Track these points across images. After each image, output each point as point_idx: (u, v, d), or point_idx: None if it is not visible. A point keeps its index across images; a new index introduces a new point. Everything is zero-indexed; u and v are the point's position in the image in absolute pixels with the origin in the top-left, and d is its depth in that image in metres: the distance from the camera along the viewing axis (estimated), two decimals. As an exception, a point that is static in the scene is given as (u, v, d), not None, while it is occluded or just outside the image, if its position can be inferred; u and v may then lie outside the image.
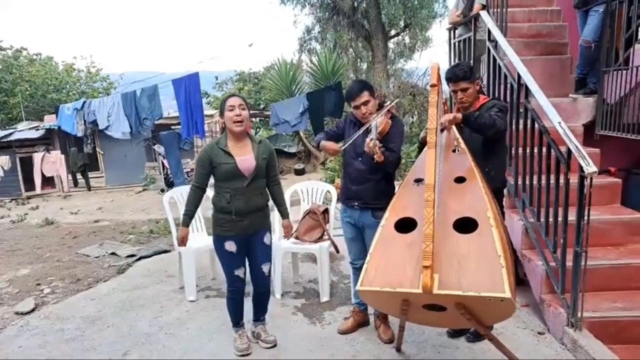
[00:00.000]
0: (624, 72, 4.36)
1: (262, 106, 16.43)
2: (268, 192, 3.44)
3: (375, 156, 3.01)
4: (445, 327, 3.46)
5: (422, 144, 3.45)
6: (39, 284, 5.17)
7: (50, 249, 6.77)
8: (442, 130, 3.13)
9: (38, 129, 13.65)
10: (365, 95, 3.26)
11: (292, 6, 17.51)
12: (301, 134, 13.64)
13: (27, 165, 12.48)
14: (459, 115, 3.07)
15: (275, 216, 3.76)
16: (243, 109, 3.16)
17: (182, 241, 3.40)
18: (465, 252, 2.33)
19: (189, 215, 3.36)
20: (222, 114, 3.23)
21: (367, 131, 3.20)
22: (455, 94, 3.29)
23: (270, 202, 3.46)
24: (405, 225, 2.63)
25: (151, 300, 4.46)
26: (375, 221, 3.10)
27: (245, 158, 3.19)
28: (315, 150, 13.76)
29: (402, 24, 18.33)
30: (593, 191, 3.01)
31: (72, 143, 12.67)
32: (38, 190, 12.45)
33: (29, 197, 12.13)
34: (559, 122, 3.26)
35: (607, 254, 3.72)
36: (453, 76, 3.25)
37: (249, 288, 3.45)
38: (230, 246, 3.25)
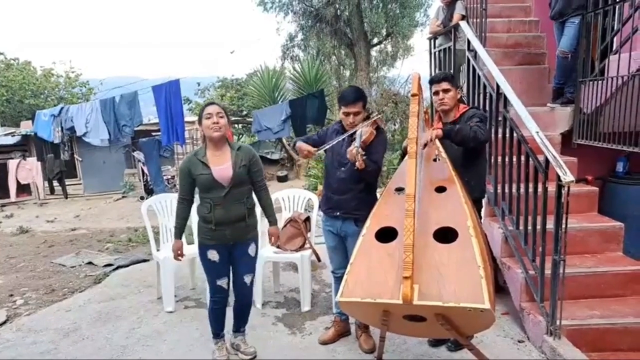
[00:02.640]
0: (600, 82, 4.44)
1: (244, 113, 16.36)
2: (255, 199, 3.40)
3: (356, 163, 3.01)
4: (426, 337, 3.45)
5: (405, 153, 3.46)
6: (11, 295, 5.04)
7: (25, 259, 6.61)
8: (424, 147, 3.14)
9: (14, 135, 13.39)
10: (358, 106, 3.26)
11: (275, 14, 17.51)
12: (284, 140, 13.61)
13: (1, 172, 12.22)
14: (440, 132, 3.09)
15: (263, 222, 3.72)
16: (221, 117, 3.13)
17: (177, 254, 3.37)
18: (445, 262, 2.33)
19: (179, 227, 3.34)
20: (200, 123, 3.20)
21: (351, 140, 3.20)
22: (436, 95, 3.32)
23: (260, 210, 3.45)
24: (386, 234, 2.62)
25: (128, 311, 4.37)
26: (357, 229, 3.08)
27: (221, 167, 3.15)
28: (294, 155, 13.77)
29: (384, 32, 18.45)
30: (570, 200, 3.04)
31: (49, 150, 12.44)
32: (13, 197, 12.19)
33: (3, 205, 11.86)
34: (537, 132, 3.30)
35: (584, 261, 3.76)
36: (435, 77, 3.34)
37: (231, 299, 3.40)
38: (213, 255, 3.22)
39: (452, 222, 2.52)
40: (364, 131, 3.15)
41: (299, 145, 3.44)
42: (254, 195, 3.39)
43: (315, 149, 3.35)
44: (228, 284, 3.32)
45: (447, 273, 2.27)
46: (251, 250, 3.36)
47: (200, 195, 3.23)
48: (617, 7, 4.35)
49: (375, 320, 2.58)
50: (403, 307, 2.25)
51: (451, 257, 2.34)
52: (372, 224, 2.73)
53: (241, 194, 3.24)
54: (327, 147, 3.29)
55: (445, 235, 2.48)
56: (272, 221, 3.52)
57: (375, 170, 3.27)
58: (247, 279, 3.35)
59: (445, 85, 3.28)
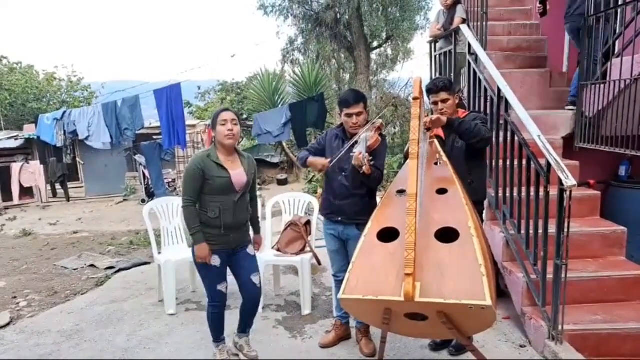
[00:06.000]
0: (602, 85, 4.43)
1: (244, 116, 16.40)
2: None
3: (363, 168, 3.01)
4: (427, 337, 3.45)
5: (407, 158, 3.46)
6: (15, 297, 5.05)
7: (28, 261, 6.63)
8: (427, 130, 3.15)
9: (17, 139, 13.46)
10: (360, 107, 3.27)
11: (275, 17, 17.57)
12: (284, 144, 13.63)
13: (5, 175, 12.26)
14: (444, 118, 3.12)
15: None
16: (235, 124, 3.14)
17: (206, 259, 3.13)
18: (446, 261, 2.33)
19: (200, 230, 3.14)
20: (213, 127, 3.19)
21: (353, 145, 3.21)
22: (435, 105, 3.33)
23: None
24: (388, 235, 2.62)
25: (130, 314, 4.38)
26: (359, 233, 3.07)
27: (237, 172, 3.17)
28: (295, 159, 13.78)
29: (384, 35, 18.50)
30: (573, 204, 3.04)
31: (52, 153, 12.49)
32: (16, 200, 12.22)
33: (6, 208, 11.87)
34: (539, 136, 3.30)
35: (587, 266, 3.75)
36: (434, 87, 3.31)
37: (230, 302, 3.39)
38: (215, 261, 3.19)
39: (453, 223, 2.52)
40: (369, 136, 3.16)
41: (311, 160, 3.41)
42: None
43: (328, 161, 3.30)
44: (227, 288, 3.31)
45: (448, 271, 2.27)
46: (250, 250, 3.39)
47: (206, 199, 3.14)
48: (619, 10, 4.35)
49: (376, 319, 2.57)
50: (405, 305, 2.25)
51: (452, 256, 2.34)
52: (373, 225, 2.73)
53: (246, 200, 3.30)
54: (339, 156, 3.25)
55: (447, 236, 2.48)
56: (258, 230, 3.63)
57: (379, 177, 3.28)
58: (255, 279, 3.34)
59: (443, 95, 3.27)
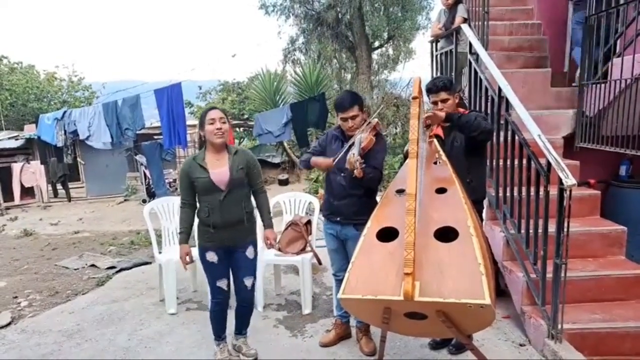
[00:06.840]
0: (603, 85, 4.43)
1: (245, 116, 16.38)
2: (253, 202, 3.41)
3: (355, 171, 3.01)
4: (427, 336, 3.45)
5: (406, 157, 3.46)
6: (15, 297, 5.07)
7: (29, 261, 6.64)
8: (427, 127, 3.15)
9: (18, 139, 13.46)
10: (355, 110, 3.25)
11: (276, 17, 17.54)
12: (285, 144, 13.62)
13: (5, 175, 12.26)
14: (441, 113, 3.12)
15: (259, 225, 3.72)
16: (224, 122, 3.14)
17: (185, 260, 3.28)
18: (446, 260, 2.33)
19: (185, 232, 3.28)
20: (202, 127, 3.19)
21: (350, 146, 3.20)
22: (435, 105, 3.33)
23: (256, 212, 3.44)
24: (387, 234, 2.62)
25: (131, 314, 4.39)
26: (357, 233, 3.08)
27: (219, 171, 3.15)
28: (296, 159, 13.78)
29: (385, 35, 18.46)
30: (573, 203, 3.04)
31: (52, 153, 12.49)
32: (17, 200, 12.24)
33: (7, 208, 11.90)
34: (539, 135, 3.30)
35: (586, 265, 3.75)
36: (433, 87, 3.30)
37: (233, 301, 3.40)
38: (211, 257, 3.23)
39: (452, 222, 2.52)
40: (362, 137, 3.15)
41: (314, 160, 3.41)
42: (252, 199, 3.41)
43: (332, 160, 3.30)
44: (228, 285, 3.32)
45: (447, 270, 2.27)
46: (249, 253, 3.34)
47: (199, 199, 3.25)
48: (621, 9, 4.35)
49: (376, 318, 2.57)
50: (404, 304, 2.25)
51: (452, 255, 2.34)
52: (372, 225, 2.73)
53: (239, 198, 3.24)
54: (341, 155, 3.23)
55: (446, 236, 2.48)
56: (268, 224, 3.48)
57: (377, 177, 3.27)
58: (247, 282, 3.34)
59: (443, 95, 3.26)
